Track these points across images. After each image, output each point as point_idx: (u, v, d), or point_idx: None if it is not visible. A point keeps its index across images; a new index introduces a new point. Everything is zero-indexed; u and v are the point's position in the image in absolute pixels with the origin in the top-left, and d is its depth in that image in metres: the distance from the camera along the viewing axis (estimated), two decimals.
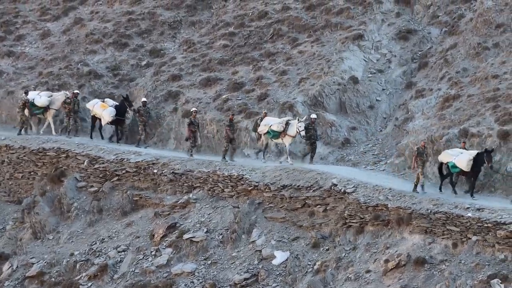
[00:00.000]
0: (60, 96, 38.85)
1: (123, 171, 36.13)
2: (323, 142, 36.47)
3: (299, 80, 38.65)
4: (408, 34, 40.87)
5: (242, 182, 33.72)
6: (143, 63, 44.06)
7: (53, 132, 39.16)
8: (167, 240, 33.00)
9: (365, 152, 35.74)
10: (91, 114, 38.82)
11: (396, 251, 29.22)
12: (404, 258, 28.73)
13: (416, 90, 37.34)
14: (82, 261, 33.48)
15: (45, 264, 33.89)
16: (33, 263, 34.20)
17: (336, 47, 39.85)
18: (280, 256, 31.30)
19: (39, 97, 38.77)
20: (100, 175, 36.53)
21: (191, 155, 35.93)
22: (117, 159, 36.40)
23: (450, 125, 33.52)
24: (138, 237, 33.89)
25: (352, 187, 31.45)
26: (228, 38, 42.96)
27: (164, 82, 41.15)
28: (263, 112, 36.12)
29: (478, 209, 28.64)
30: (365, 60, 39.60)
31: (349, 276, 29.53)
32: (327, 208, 31.83)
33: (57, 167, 37.31)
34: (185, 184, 34.94)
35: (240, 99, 38.51)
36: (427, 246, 28.97)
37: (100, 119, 38.48)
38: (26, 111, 38.86)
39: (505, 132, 31.64)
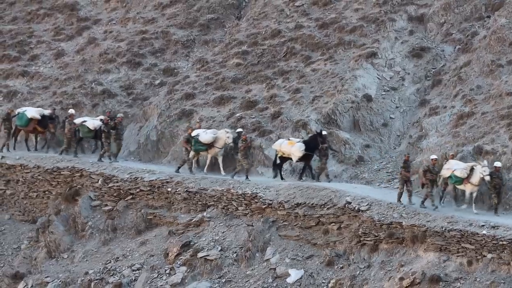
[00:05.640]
0: (222, 134, 36.45)
1: (137, 190, 36.16)
2: (337, 160, 36.42)
3: (313, 98, 38.64)
4: (421, 52, 40.86)
5: (256, 200, 33.68)
6: (157, 82, 44.19)
7: (222, 172, 36.36)
8: (181, 259, 32.97)
9: (379, 170, 35.66)
10: (279, 155, 35.50)
11: (411, 269, 29.11)
12: (419, 276, 28.61)
13: (430, 107, 37.28)
14: (96, 280, 33.44)
15: (60, 283, 33.86)
16: (48, 282, 34.15)
17: (350, 65, 39.88)
18: (294, 274, 31.22)
19: (205, 134, 36.54)
20: (114, 194, 36.58)
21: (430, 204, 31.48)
22: (131, 178, 36.44)
23: (464, 143, 33.45)
24: (153, 255, 33.88)
25: (366, 205, 31.38)
26: (241, 56, 43.02)
27: (178, 100, 41.20)
28: (450, 154, 32.69)
29: (493, 227, 28.54)
30: (378, 78, 39.60)
31: None
32: (341, 226, 31.76)
33: (72, 186, 37.40)
34: (199, 203, 34.92)
35: (253, 117, 38.50)
36: (441, 264, 28.87)
37: (285, 157, 35.50)
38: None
39: None
